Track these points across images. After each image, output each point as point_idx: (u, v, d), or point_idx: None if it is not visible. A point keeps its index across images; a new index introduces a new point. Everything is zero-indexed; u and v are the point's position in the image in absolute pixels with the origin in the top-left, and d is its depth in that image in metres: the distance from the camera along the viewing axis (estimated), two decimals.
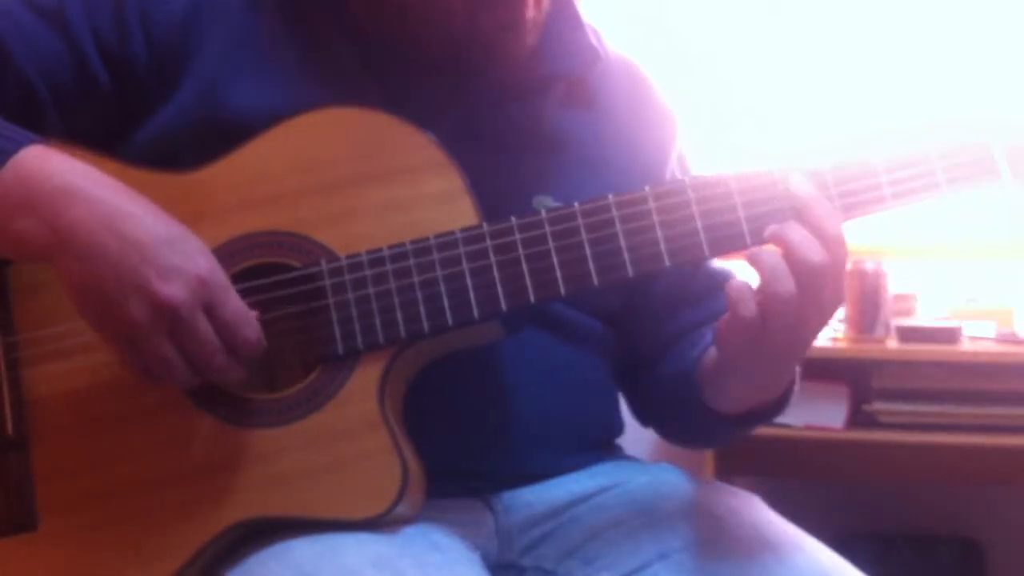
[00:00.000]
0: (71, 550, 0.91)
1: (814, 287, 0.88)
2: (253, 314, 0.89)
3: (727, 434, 1.10)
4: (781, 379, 0.99)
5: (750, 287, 0.90)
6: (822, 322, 0.91)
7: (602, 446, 1.13)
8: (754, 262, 0.89)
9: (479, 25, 0.98)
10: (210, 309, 0.86)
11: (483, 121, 1.04)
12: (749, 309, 0.89)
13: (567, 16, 1.08)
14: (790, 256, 0.88)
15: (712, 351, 1.02)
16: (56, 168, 0.88)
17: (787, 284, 0.88)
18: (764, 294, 0.88)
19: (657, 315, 1.12)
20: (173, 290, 0.84)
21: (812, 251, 0.88)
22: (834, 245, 0.89)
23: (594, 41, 1.09)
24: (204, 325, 0.86)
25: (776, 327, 0.89)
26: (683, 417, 1.10)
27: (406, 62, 1.03)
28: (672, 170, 1.15)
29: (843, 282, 0.91)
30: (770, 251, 0.89)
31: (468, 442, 1.01)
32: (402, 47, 1.02)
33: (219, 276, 0.87)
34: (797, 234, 0.88)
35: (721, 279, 1.10)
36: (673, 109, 1.17)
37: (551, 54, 1.07)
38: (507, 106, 1.05)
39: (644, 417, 1.19)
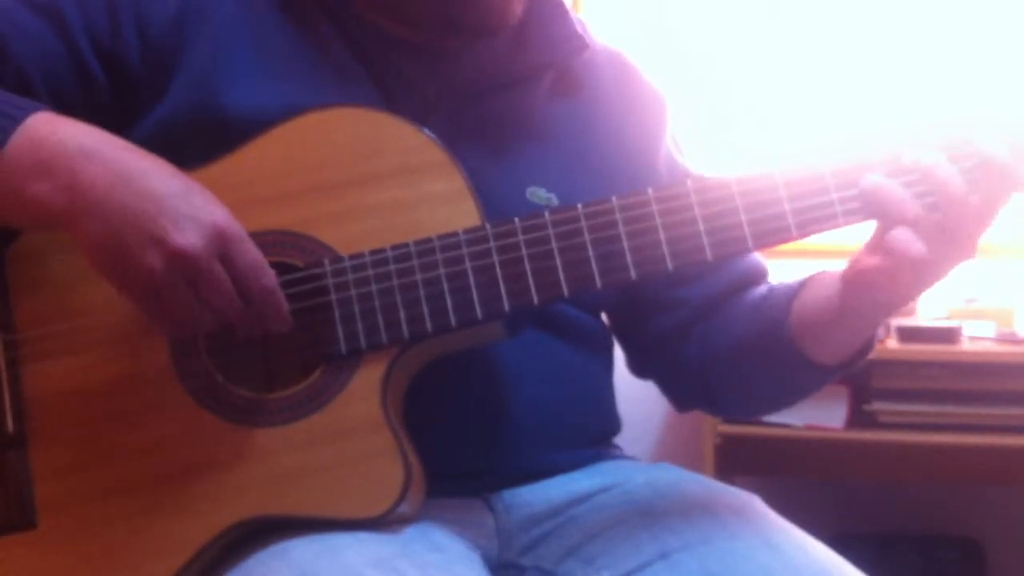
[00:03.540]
0: (71, 549, 0.91)
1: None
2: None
3: (820, 384, 1.09)
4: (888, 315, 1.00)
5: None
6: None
7: (600, 443, 1.13)
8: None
9: None
10: (226, 258, 0.87)
11: (473, 113, 1.05)
12: (918, 248, 0.90)
13: (553, 5, 1.09)
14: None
15: (814, 301, 1.02)
16: (68, 131, 0.89)
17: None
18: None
19: (671, 294, 1.12)
20: (189, 239, 0.85)
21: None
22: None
23: (580, 30, 1.10)
24: (222, 273, 0.86)
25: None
26: (762, 379, 1.10)
27: (396, 53, 1.03)
28: (667, 152, 1.15)
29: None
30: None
31: (467, 441, 1.02)
32: (392, 23, 1.03)
33: (234, 225, 0.88)
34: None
35: None
36: (661, 92, 1.18)
37: (537, 43, 1.08)
38: (496, 97, 1.06)
39: (688, 399, 1.19)
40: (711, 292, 1.12)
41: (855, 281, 0.96)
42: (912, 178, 0.91)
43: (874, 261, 0.93)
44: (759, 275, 1.14)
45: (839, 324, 1.00)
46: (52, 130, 0.89)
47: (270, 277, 0.89)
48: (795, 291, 1.05)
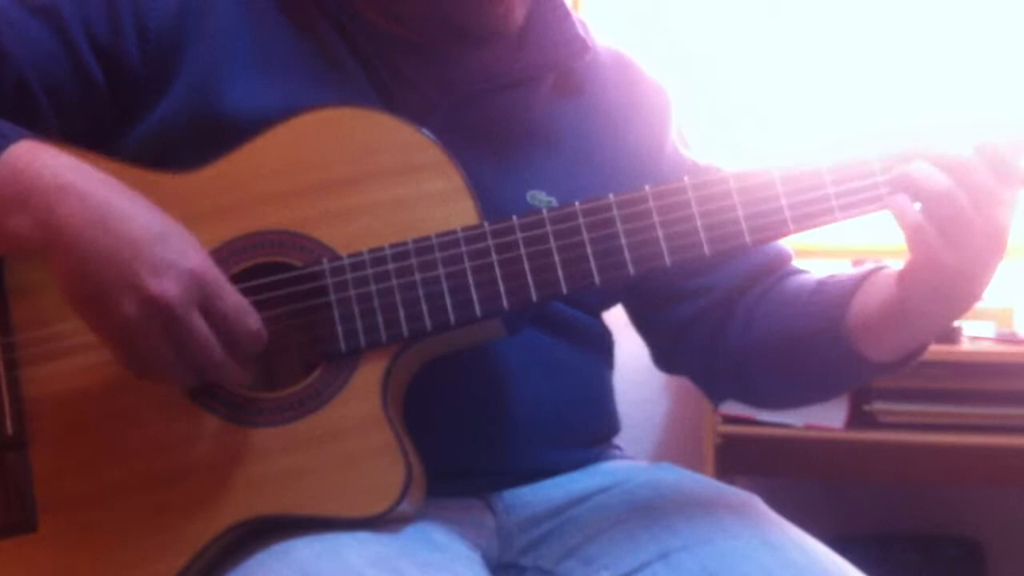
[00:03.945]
0: (71, 550, 0.91)
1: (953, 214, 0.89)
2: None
3: (869, 379, 1.08)
4: (956, 307, 0.98)
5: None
6: (990, 243, 0.91)
7: (600, 443, 1.13)
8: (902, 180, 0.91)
9: None
10: (206, 304, 0.86)
11: (474, 114, 1.04)
12: (914, 215, 0.90)
13: (554, 6, 1.09)
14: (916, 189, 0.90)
15: (865, 304, 1.01)
16: (47, 163, 0.87)
17: (940, 179, 0.89)
18: (924, 199, 0.90)
19: (701, 273, 1.11)
20: (165, 286, 0.84)
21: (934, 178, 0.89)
22: (958, 170, 0.89)
23: (581, 31, 1.09)
24: (199, 321, 0.85)
25: (952, 230, 0.89)
26: (814, 373, 1.07)
27: (395, 53, 1.03)
28: (672, 149, 1.15)
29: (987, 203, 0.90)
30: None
31: (467, 440, 1.01)
32: (390, 28, 1.03)
33: (212, 270, 0.87)
34: (918, 166, 0.90)
35: None
36: (664, 87, 1.17)
37: (539, 45, 1.07)
38: (497, 98, 1.05)
39: (723, 389, 1.17)
40: (734, 280, 1.11)
41: (904, 278, 0.95)
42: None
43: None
44: (783, 259, 1.13)
45: (898, 324, 0.98)
46: (31, 161, 0.87)
47: (255, 319, 0.88)
48: (854, 288, 1.03)
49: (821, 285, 1.07)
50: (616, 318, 1.17)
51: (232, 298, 0.87)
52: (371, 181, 0.94)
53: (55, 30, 0.98)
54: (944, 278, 0.92)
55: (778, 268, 1.12)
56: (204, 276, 0.86)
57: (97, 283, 0.84)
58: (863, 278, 1.03)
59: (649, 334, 1.18)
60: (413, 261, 0.92)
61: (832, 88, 2.28)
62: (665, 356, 1.18)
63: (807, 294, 1.07)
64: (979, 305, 2.36)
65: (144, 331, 0.84)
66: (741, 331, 1.10)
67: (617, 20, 2.36)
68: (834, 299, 1.04)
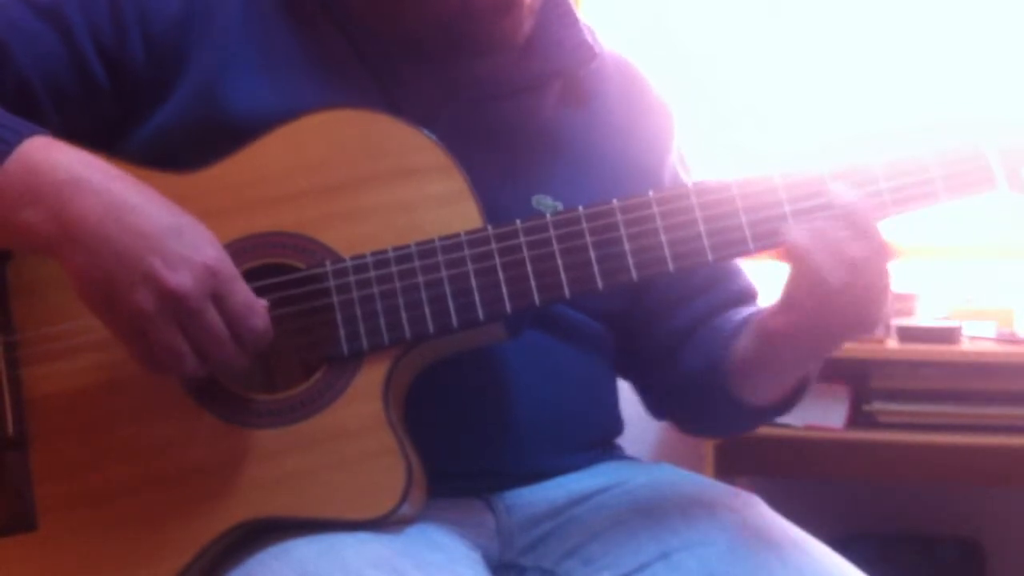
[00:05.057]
0: (71, 550, 0.91)
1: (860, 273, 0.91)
2: (261, 303, 0.89)
3: (748, 425, 1.11)
4: (815, 359, 1.00)
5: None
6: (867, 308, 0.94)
7: (602, 445, 1.13)
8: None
9: (474, 6, 0.99)
10: (218, 299, 0.86)
11: (479, 119, 1.04)
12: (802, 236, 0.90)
13: (561, 13, 1.08)
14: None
15: (743, 345, 1.02)
16: (61, 159, 0.88)
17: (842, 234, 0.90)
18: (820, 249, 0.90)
19: (664, 310, 1.12)
20: (180, 279, 0.84)
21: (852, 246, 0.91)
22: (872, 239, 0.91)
23: (589, 38, 1.09)
24: (213, 314, 0.85)
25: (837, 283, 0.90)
26: (706, 410, 1.11)
27: (400, 57, 1.03)
28: (673, 165, 1.15)
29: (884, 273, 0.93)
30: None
31: (469, 441, 1.01)
32: (395, 38, 1.03)
33: (227, 265, 0.87)
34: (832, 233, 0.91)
35: (723, 268, 1.11)
36: (669, 104, 1.17)
37: (546, 51, 1.07)
38: (502, 103, 1.05)
39: (659, 411, 1.19)
40: (696, 314, 1.11)
41: (767, 340, 0.98)
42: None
43: (779, 320, 0.95)
44: (747, 297, 1.14)
45: (763, 370, 1.01)
46: (45, 156, 0.87)
47: (263, 319, 0.88)
48: (740, 328, 1.05)
49: (724, 322, 1.09)
50: None
51: (242, 296, 0.87)
52: (374, 183, 0.94)
53: (59, 32, 0.98)
54: (827, 303, 0.92)
55: (738, 305, 1.13)
56: (218, 270, 0.86)
57: (111, 276, 0.84)
58: (748, 318, 1.05)
59: (641, 389, 1.19)
60: (416, 264, 0.92)
61: (832, 88, 2.28)
62: (657, 407, 1.20)
63: (715, 330, 1.09)
64: (979, 305, 2.37)
65: (159, 324, 0.84)
66: (680, 363, 1.12)
67: (617, 20, 2.37)
68: (724, 339, 1.06)
